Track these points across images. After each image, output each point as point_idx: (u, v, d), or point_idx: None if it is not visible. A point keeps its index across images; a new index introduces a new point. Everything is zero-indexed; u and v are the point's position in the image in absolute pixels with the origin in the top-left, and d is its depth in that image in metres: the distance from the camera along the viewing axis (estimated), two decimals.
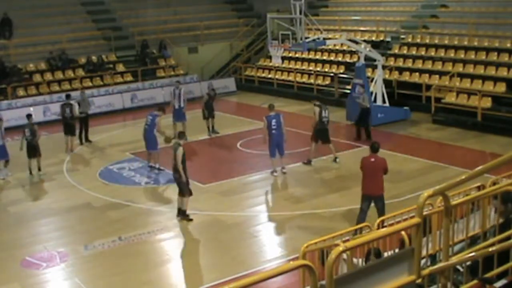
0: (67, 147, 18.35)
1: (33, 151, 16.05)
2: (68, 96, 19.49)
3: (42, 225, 12.92)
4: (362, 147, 17.60)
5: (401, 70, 22.75)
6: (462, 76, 20.58)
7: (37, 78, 24.85)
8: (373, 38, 24.95)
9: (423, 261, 5.46)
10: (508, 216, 6.28)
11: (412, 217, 4.79)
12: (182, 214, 12.50)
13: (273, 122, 15.08)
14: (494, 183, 7.83)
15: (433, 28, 23.91)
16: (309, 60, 26.67)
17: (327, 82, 24.75)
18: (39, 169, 16.21)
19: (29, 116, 16.65)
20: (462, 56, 21.45)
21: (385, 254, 6.66)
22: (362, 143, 17.72)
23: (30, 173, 16.16)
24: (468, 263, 5.30)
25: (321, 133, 16.00)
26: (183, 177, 12.27)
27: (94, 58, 26.19)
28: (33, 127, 16.23)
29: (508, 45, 20.49)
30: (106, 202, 13.90)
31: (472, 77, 20.28)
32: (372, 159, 11.12)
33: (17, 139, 19.01)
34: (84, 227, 12.63)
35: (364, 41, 22.36)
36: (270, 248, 11.38)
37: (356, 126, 18.66)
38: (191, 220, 12.43)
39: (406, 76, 22.36)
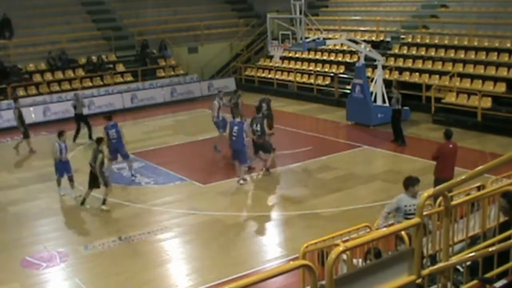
0: None
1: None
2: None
3: (42, 225, 12.89)
4: (362, 147, 17.61)
5: (401, 70, 22.74)
6: (462, 76, 20.56)
7: (37, 78, 24.82)
8: (373, 38, 24.94)
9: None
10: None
11: None
12: (267, 170, 15.16)
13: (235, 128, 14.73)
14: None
15: (433, 28, 23.91)
16: (309, 60, 26.65)
17: (327, 82, 24.74)
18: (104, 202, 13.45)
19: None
20: (462, 56, 21.43)
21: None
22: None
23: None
24: (468, 263, 5.30)
25: (258, 146, 15.44)
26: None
27: (94, 58, 26.16)
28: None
29: (508, 45, 20.48)
30: None
31: (472, 77, 20.27)
32: (451, 145, 11.64)
33: (16, 139, 19.07)
34: (84, 227, 12.63)
35: (364, 41, 22.34)
36: (270, 248, 11.37)
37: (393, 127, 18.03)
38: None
39: (406, 76, 22.35)
